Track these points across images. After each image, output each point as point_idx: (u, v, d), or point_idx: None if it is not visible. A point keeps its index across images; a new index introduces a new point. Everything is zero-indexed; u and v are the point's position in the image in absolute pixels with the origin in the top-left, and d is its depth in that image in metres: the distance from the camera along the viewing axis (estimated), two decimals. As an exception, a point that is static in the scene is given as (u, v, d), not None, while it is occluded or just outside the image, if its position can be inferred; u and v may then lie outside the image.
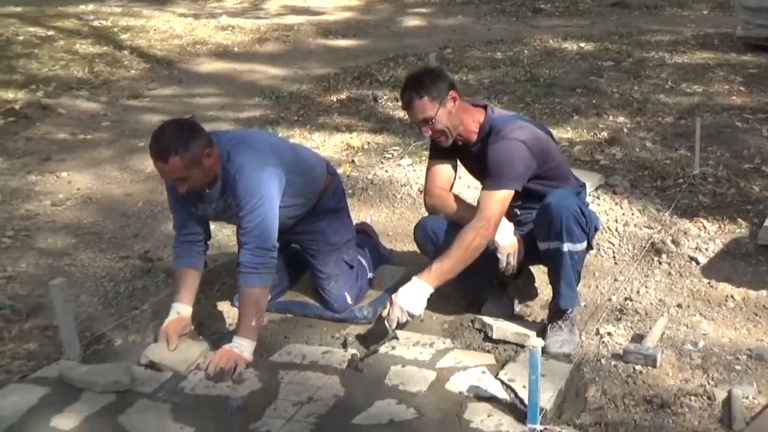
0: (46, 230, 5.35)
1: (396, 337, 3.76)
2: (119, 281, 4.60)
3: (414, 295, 3.65)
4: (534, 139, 3.75)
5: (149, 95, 8.91)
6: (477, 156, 3.83)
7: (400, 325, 3.73)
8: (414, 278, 3.69)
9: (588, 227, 3.71)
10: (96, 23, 12.52)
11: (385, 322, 3.72)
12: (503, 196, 3.68)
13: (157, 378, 3.55)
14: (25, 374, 3.65)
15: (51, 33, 11.66)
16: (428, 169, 4.05)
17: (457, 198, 3.98)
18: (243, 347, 3.62)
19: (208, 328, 4.11)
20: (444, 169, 3.99)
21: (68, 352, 3.73)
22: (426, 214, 4.08)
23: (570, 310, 3.80)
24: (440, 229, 3.91)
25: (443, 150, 3.94)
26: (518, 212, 3.90)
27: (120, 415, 3.30)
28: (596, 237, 4.21)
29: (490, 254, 3.82)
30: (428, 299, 3.86)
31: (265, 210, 3.67)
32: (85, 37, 11.50)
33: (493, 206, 3.66)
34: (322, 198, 4.12)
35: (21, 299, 4.37)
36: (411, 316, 3.68)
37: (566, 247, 3.64)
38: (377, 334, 3.82)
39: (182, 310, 3.86)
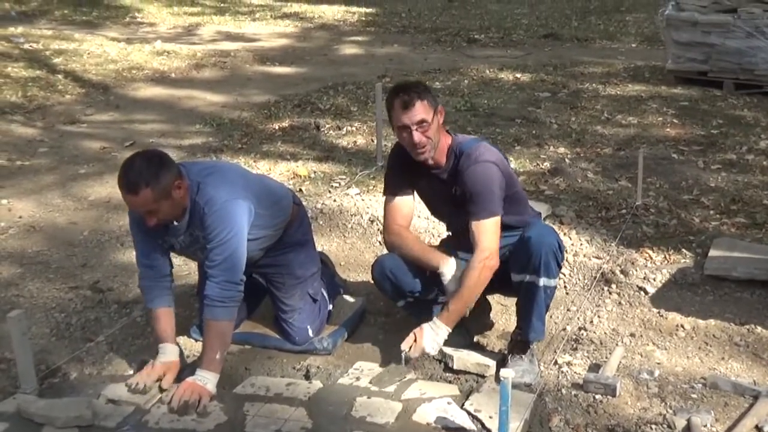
0: (-10, 259, 5.24)
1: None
2: (70, 312, 4.52)
3: (438, 339, 3.73)
4: (501, 161, 3.84)
5: (87, 120, 8.77)
6: (443, 181, 3.86)
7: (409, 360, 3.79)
8: (436, 320, 3.73)
9: (561, 259, 3.79)
10: (27, 46, 12.32)
11: (402, 354, 3.76)
12: (495, 222, 3.73)
13: (120, 412, 3.50)
14: (-20, 409, 3.57)
15: (-20, 56, 11.44)
16: (386, 204, 4.05)
17: (416, 240, 4.03)
18: (207, 380, 3.59)
19: (165, 360, 4.06)
20: (403, 205, 4.00)
21: (24, 386, 3.66)
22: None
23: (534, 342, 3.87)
24: (398, 269, 3.93)
25: (400, 182, 3.97)
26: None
27: (85, 450, 3.25)
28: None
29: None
30: (387, 330, 3.92)
31: (234, 243, 3.66)
32: (17, 60, 11.31)
33: (490, 236, 3.72)
34: (288, 229, 4.12)
35: (-31, 331, 4.26)
36: (425, 356, 3.79)
37: (542, 282, 3.70)
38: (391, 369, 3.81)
39: (175, 351, 3.83)
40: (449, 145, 3.85)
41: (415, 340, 3.74)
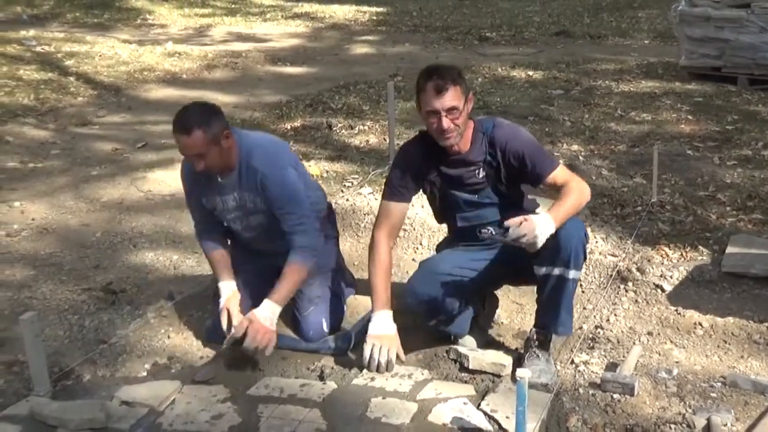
0: (3, 262, 5.22)
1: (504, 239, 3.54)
2: (83, 314, 4.50)
3: (546, 232, 3.47)
4: None
5: (98, 122, 8.78)
6: (469, 163, 3.80)
7: (513, 241, 3.49)
8: (548, 216, 3.51)
9: (586, 254, 3.76)
10: (39, 49, 12.35)
11: (510, 230, 3.48)
12: (563, 167, 3.79)
13: (133, 414, 3.47)
14: (-6, 412, 3.55)
15: (-7, 59, 11.47)
16: (381, 205, 4.01)
17: (382, 268, 3.93)
18: (273, 312, 3.90)
19: (179, 361, 4.05)
20: (395, 212, 3.95)
21: (38, 388, 3.64)
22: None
23: (553, 338, 3.83)
24: (434, 298, 3.82)
25: (401, 187, 3.92)
26: (493, 231, 3.87)
27: (98, 453, 3.23)
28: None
29: (460, 282, 3.84)
30: (402, 329, 3.89)
31: (304, 204, 4.02)
32: (29, 63, 11.34)
33: (570, 174, 3.78)
34: (323, 222, 4.26)
35: (-18, 334, 4.26)
36: (529, 246, 3.48)
37: (572, 274, 3.63)
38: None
39: (232, 286, 4.10)
40: (473, 129, 3.80)
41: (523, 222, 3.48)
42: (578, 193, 3.68)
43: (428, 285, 3.82)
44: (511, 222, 3.47)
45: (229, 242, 4.29)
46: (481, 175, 3.81)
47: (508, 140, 3.75)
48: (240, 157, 3.93)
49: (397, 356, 3.83)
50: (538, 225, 3.46)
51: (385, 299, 3.88)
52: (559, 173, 3.74)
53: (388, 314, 3.87)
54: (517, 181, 3.85)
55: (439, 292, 3.81)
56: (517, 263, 3.79)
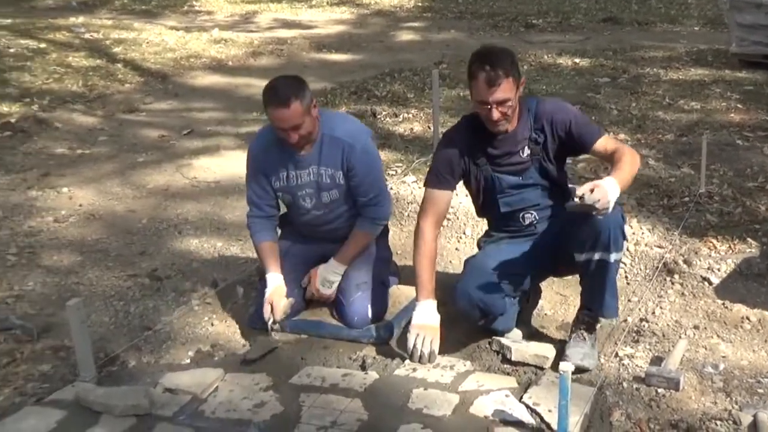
0: (51, 247, 5.29)
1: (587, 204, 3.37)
2: (129, 300, 4.55)
3: (615, 192, 3.37)
4: None
5: (145, 109, 8.86)
6: (515, 142, 3.79)
7: (584, 206, 3.36)
8: (608, 178, 3.42)
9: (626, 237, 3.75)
10: (87, 36, 12.47)
11: (582, 194, 3.33)
12: (607, 136, 3.80)
13: (177, 401, 3.50)
14: (41, 396, 3.60)
15: (43, 45, 11.60)
16: (425, 193, 3.98)
17: (427, 258, 3.90)
18: (336, 271, 4.20)
19: (222, 349, 4.08)
20: (440, 200, 3.93)
21: (83, 373, 3.69)
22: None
23: (600, 324, 3.82)
24: (485, 296, 3.76)
25: (445, 175, 3.90)
26: (536, 217, 3.90)
27: (142, 439, 3.26)
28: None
29: (510, 278, 3.82)
30: (444, 321, 3.87)
31: (382, 177, 4.30)
32: (78, 50, 11.44)
33: (615, 141, 3.82)
34: None
35: (30, 319, 4.31)
36: (601, 210, 3.32)
37: (613, 257, 3.60)
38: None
39: (278, 279, 4.13)
40: (519, 108, 3.77)
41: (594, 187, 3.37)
42: (631, 156, 3.64)
43: (481, 286, 3.77)
44: (584, 188, 3.34)
45: (278, 231, 4.35)
46: (525, 154, 3.80)
47: (554, 112, 3.75)
48: (321, 131, 4.03)
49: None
50: (609, 190, 3.36)
51: (430, 288, 3.87)
52: (608, 140, 3.77)
53: (433, 304, 3.86)
54: (564, 155, 3.86)
55: (491, 292, 3.77)
56: (559, 250, 3.78)
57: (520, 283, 3.89)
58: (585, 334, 3.78)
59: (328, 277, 4.21)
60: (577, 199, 3.31)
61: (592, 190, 3.31)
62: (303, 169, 4.10)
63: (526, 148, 3.80)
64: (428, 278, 3.88)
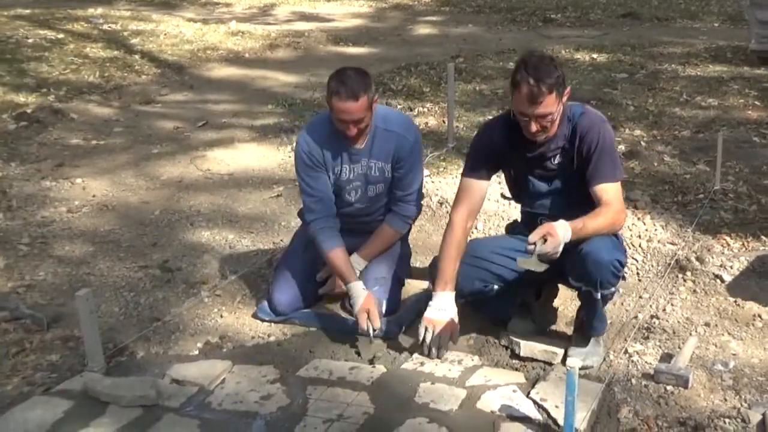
0: (63, 238, 5.31)
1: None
2: (139, 291, 4.56)
3: (565, 236, 3.39)
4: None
5: (161, 101, 8.87)
6: (546, 148, 3.69)
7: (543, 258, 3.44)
8: (565, 223, 3.42)
9: (622, 273, 3.66)
10: (105, 27, 12.51)
11: (534, 251, 3.40)
12: (620, 186, 3.66)
13: (184, 393, 3.50)
14: (49, 386, 3.61)
15: (61, 36, 11.64)
16: (461, 182, 3.91)
17: (453, 250, 3.80)
18: (358, 267, 4.16)
19: (230, 341, 4.08)
20: (476, 190, 3.86)
21: (92, 364, 3.70)
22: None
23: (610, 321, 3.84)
24: (465, 273, 3.79)
25: (482, 165, 3.84)
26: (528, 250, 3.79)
27: (148, 429, 3.26)
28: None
29: (498, 267, 3.81)
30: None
31: (422, 176, 4.32)
32: (95, 41, 11.48)
33: (620, 196, 3.63)
34: None
35: (41, 308, 4.33)
36: (554, 256, 3.39)
37: (600, 294, 3.59)
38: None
39: (362, 286, 4.02)
40: (562, 114, 3.66)
41: (547, 236, 3.40)
42: (611, 218, 3.53)
43: (461, 266, 3.81)
44: (536, 236, 3.39)
45: (342, 239, 4.20)
46: (555, 161, 3.72)
47: (590, 129, 3.61)
48: (374, 123, 4.04)
49: (451, 338, 3.78)
50: (562, 237, 3.38)
51: (449, 279, 3.78)
52: (610, 189, 3.58)
53: (450, 296, 3.79)
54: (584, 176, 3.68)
55: (468, 274, 3.79)
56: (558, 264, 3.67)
57: (507, 277, 3.82)
58: (584, 338, 3.79)
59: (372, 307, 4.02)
60: (530, 247, 3.37)
61: (545, 239, 3.36)
62: (356, 163, 4.10)
63: (558, 156, 3.71)
64: (451, 269, 3.79)
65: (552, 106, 3.49)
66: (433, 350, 3.74)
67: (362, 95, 3.80)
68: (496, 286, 3.83)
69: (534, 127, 3.54)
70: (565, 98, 3.58)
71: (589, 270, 3.52)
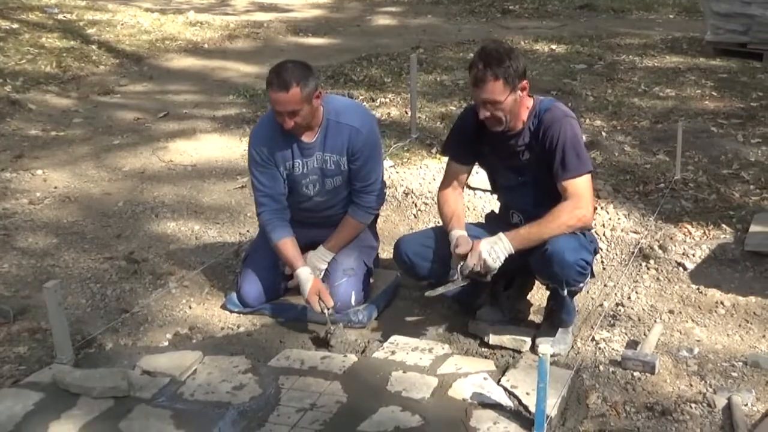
0: (26, 229, 5.25)
1: (464, 284, 3.65)
2: (106, 283, 4.53)
3: (497, 249, 3.52)
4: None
5: (120, 91, 8.78)
6: (515, 146, 3.72)
7: (471, 275, 3.59)
8: (501, 234, 3.55)
9: (590, 269, 3.70)
10: (61, 16, 12.31)
11: (458, 268, 3.59)
12: (589, 179, 3.60)
13: (155, 383, 3.49)
14: (18, 379, 3.59)
15: (15, 26, 11.41)
16: (447, 163, 4.00)
17: (455, 210, 3.87)
18: (325, 259, 4.19)
19: (200, 332, 4.08)
20: (459, 171, 3.96)
21: (60, 356, 3.67)
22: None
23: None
24: (415, 254, 3.85)
25: (461, 149, 3.91)
26: (522, 221, 3.82)
27: (121, 421, 3.25)
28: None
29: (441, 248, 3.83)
30: (422, 304, 3.89)
31: (381, 164, 4.27)
32: (51, 31, 11.29)
33: (587, 191, 3.57)
34: None
35: (6, 301, 4.28)
36: (486, 269, 3.54)
37: (566, 291, 3.65)
38: (446, 281, 3.71)
39: (309, 271, 4.06)
40: (530, 109, 3.69)
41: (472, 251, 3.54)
42: (568, 218, 3.53)
43: (417, 245, 3.89)
44: (458, 256, 3.55)
45: (292, 231, 4.23)
46: (524, 158, 3.74)
47: (552, 124, 3.61)
48: (326, 117, 4.03)
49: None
50: (484, 250, 3.50)
51: (455, 221, 3.81)
52: (576, 184, 3.56)
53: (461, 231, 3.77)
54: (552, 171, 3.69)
55: (421, 254, 3.84)
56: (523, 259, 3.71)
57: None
58: (552, 327, 3.86)
59: (317, 264, 4.18)
60: (452, 271, 3.57)
61: (466, 257, 3.50)
62: (309, 157, 4.08)
63: (526, 151, 3.72)
64: (456, 214, 3.84)
65: (499, 94, 3.51)
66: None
67: (294, 86, 3.78)
68: (435, 266, 3.82)
69: (482, 113, 3.58)
70: (520, 91, 3.59)
71: (554, 270, 3.56)
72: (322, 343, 3.89)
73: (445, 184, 3.97)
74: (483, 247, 3.53)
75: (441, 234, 3.87)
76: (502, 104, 3.54)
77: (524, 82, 3.61)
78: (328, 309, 3.95)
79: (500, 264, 3.54)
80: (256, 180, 4.15)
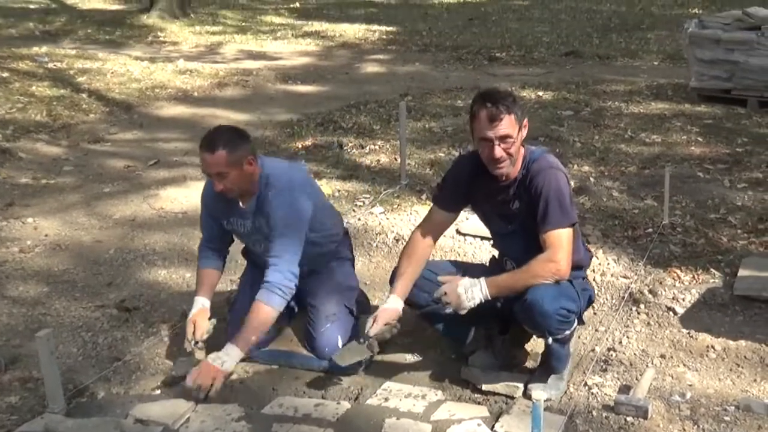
0: (17, 278, 5.25)
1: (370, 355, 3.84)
2: (97, 331, 4.52)
3: (474, 291, 3.56)
4: (567, 175, 3.76)
5: (111, 139, 8.82)
6: (506, 195, 3.76)
7: (440, 300, 3.64)
8: (482, 279, 3.59)
9: (575, 317, 3.72)
10: (51, 65, 12.42)
11: (367, 330, 3.75)
12: (570, 232, 3.61)
13: (148, 432, 3.49)
14: (10, 429, 3.57)
15: (5, 75, 11.51)
16: (432, 209, 4.02)
17: (412, 268, 3.89)
18: (228, 357, 3.76)
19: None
20: (441, 220, 3.98)
21: (52, 405, 3.66)
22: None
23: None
24: (418, 285, 3.88)
25: (450, 198, 3.93)
26: (515, 268, 3.82)
27: (114, 471, 3.24)
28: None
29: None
30: (415, 347, 3.90)
31: (297, 235, 3.97)
32: (41, 80, 11.38)
33: (565, 244, 3.57)
34: (339, 246, 4.40)
35: (-3, 350, 4.28)
36: (458, 305, 3.58)
37: (551, 340, 3.68)
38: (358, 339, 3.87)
39: (204, 302, 4.13)
40: (523, 156, 3.73)
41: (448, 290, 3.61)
42: (541, 269, 3.57)
43: (422, 281, 3.91)
44: (441, 289, 3.62)
45: (224, 265, 4.39)
46: (514, 206, 3.77)
47: (538, 174, 3.64)
48: (260, 184, 4.00)
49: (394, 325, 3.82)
50: (462, 287, 3.57)
51: (399, 288, 3.84)
52: (556, 236, 3.58)
53: (398, 299, 3.83)
54: None
55: (420, 286, 3.88)
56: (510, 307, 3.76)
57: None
58: (545, 373, 3.87)
59: (219, 355, 3.79)
60: (434, 298, 3.63)
61: (446, 292, 3.57)
62: (246, 220, 4.10)
63: (516, 200, 3.76)
64: (401, 281, 3.85)
65: (512, 128, 3.54)
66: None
67: (220, 149, 3.79)
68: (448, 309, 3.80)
69: (498, 152, 3.56)
70: (524, 131, 3.64)
71: (536, 320, 3.60)
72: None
73: (423, 228, 3.98)
74: (462, 284, 3.59)
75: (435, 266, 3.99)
76: (515, 140, 3.58)
77: (525, 120, 3.67)
78: (195, 340, 4.01)
79: (473, 305, 3.58)
80: (204, 220, 4.31)
